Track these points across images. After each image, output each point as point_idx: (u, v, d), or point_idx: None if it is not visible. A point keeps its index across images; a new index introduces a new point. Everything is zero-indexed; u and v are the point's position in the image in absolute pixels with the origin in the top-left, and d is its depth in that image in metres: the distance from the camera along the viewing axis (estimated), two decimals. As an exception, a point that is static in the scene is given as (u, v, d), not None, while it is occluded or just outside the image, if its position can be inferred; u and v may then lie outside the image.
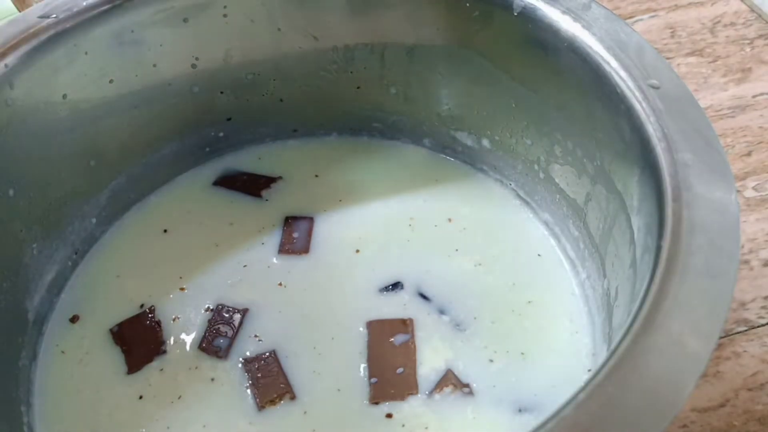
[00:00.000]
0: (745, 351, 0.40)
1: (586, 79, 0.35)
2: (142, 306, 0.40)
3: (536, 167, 0.42)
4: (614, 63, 0.33)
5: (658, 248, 0.27)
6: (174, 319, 0.39)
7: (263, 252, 0.42)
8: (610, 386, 0.24)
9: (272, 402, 0.36)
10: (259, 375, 0.37)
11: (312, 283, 0.41)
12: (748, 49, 0.56)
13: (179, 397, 0.36)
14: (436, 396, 0.36)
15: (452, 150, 0.46)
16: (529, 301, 0.40)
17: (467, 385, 0.36)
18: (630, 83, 0.32)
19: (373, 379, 0.37)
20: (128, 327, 0.39)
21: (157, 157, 0.45)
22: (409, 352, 0.37)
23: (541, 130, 0.40)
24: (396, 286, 0.40)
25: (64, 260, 0.41)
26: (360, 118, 0.47)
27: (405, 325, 0.38)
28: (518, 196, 0.44)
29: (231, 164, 0.47)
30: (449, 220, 0.44)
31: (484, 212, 0.44)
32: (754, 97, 0.53)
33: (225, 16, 0.41)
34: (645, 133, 0.31)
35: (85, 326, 0.40)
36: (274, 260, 0.42)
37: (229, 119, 0.46)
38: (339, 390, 0.36)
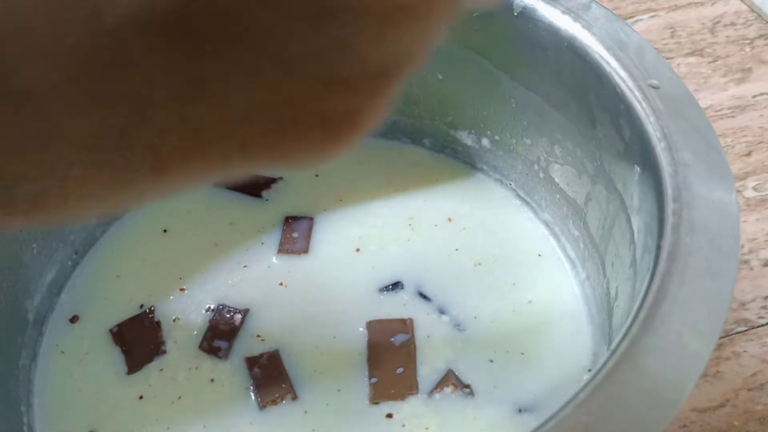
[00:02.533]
0: (745, 351, 0.40)
1: (586, 79, 0.35)
2: (142, 306, 0.40)
3: (536, 167, 0.42)
4: (614, 63, 0.33)
5: (658, 248, 0.27)
6: (174, 320, 0.39)
7: (263, 252, 0.42)
8: (610, 386, 0.24)
9: (274, 402, 0.36)
10: (262, 375, 0.37)
11: (312, 283, 0.41)
12: (748, 49, 0.56)
13: (179, 398, 0.36)
14: (437, 396, 0.36)
15: (452, 150, 0.46)
16: (529, 301, 0.40)
17: (468, 386, 0.36)
18: (630, 83, 0.32)
19: (374, 379, 0.37)
20: (128, 327, 0.39)
21: (157, 157, 0.45)
22: (409, 352, 0.37)
23: (541, 130, 0.40)
24: (396, 285, 0.40)
25: (64, 260, 0.41)
26: (360, 118, 0.47)
27: (405, 325, 0.38)
28: (518, 196, 0.44)
29: (231, 164, 0.47)
30: (449, 219, 0.43)
31: (484, 212, 0.44)
32: (754, 97, 0.53)
33: (225, 16, 0.40)
34: (645, 133, 0.31)
35: (85, 326, 0.40)
36: (274, 260, 0.42)
37: (229, 119, 0.46)
38: (339, 390, 0.36)
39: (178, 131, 0.11)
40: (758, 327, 0.41)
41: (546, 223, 0.43)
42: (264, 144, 0.12)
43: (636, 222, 0.33)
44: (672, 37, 0.58)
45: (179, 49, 0.10)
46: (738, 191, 0.36)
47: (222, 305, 0.40)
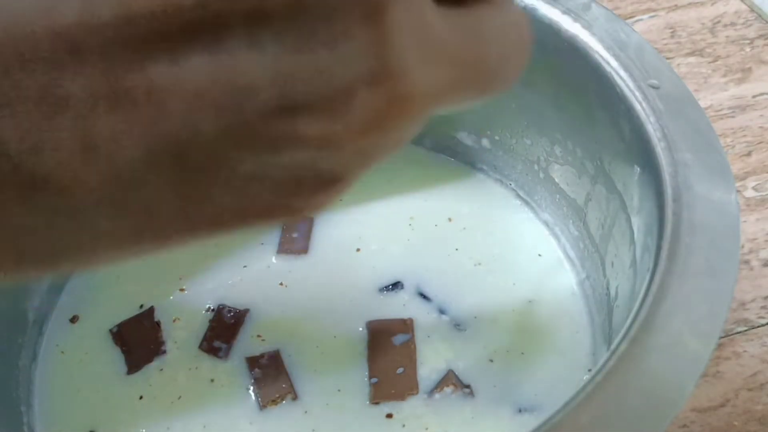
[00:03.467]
0: (745, 351, 0.40)
1: (586, 79, 0.35)
2: (141, 306, 0.40)
3: (536, 167, 0.42)
4: (614, 63, 0.33)
5: (658, 248, 0.27)
6: (174, 320, 0.39)
7: (263, 252, 0.42)
8: (610, 386, 0.24)
9: (274, 402, 0.36)
10: (262, 375, 0.37)
11: (312, 283, 0.41)
12: (748, 49, 0.56)
13: (179, 398, 0.36)
14: (437, 396, 0.36)
15: (452, 150, 0.46)
16: (529, 301, 0.40)
17: (468, 386, 0.36)
18: (630, 83, 0.32)
19: (374, 379, 0.37)
20: (128, 327, 0.39)
21: (157, 157, 0.44)
22: (409, 352, 0.37)
23: (541, 130, 0.40)
24: (396, 285, 0.40)
25: (64, 260, 0.41)
26: (360, 118, 0.47)
27: (405, 325, 0.38)
28: (518, 196, 0.44)
29: (231, 164, 0.47)
30: (449, 219, 0.43)
31: (484, 212, 0.44)
32: (754, 97, 0.53)
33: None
34: (645, 133, 0.31)
35: (85, 326, 0.39)
36: (274, 260, 0.42)
37: (229, 119, 0.46)
38: (339, 390, 0.36)
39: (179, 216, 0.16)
40: (758, 327, 0.41)
41: (546, 223, 0.43)
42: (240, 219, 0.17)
43: (636, 222, 0.33)
44: (672, 37, 0.58)
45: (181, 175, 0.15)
46: (738, 191, 0.36)
47: (222, 305, 0.40)
